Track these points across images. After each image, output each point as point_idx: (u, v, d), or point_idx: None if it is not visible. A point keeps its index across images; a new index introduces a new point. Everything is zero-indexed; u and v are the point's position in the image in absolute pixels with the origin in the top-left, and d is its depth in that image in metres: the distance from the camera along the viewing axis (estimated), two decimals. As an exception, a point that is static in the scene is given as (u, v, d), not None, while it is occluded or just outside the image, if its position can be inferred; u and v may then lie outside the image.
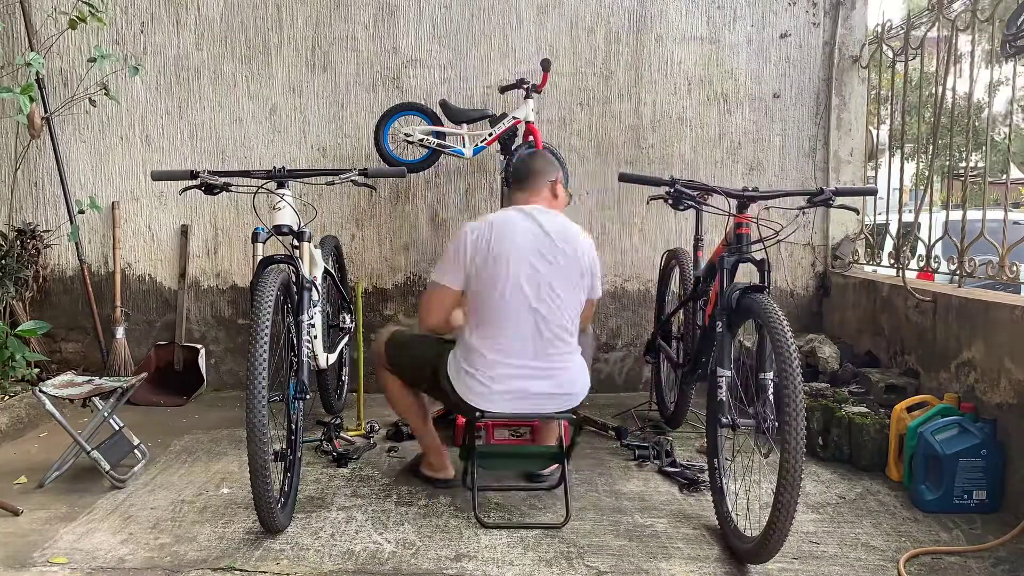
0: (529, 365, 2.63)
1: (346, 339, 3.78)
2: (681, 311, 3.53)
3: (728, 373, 2.53)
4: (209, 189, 2.88)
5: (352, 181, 3.03)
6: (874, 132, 4.54)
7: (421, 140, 4.02)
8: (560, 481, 2.81)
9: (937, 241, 3.59)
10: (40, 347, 4.28)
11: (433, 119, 4.07)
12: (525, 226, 2.66)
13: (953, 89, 3.53)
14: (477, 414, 2.64)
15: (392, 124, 4.08)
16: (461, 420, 3.24)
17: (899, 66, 4.06)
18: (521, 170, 2.85)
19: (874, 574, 2.35)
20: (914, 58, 3.86)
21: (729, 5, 4.42)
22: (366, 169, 3.02)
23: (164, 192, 4.39)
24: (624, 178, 2.94)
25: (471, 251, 2.62)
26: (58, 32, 4.17)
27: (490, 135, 4.00)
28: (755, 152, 4.51)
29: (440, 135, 4.04)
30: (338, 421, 3.57)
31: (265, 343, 2.38)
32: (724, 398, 2.52)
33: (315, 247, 3.27)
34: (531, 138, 3.95)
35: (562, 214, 2.78)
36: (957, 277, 3.38)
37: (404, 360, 2.92)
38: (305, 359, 2.76)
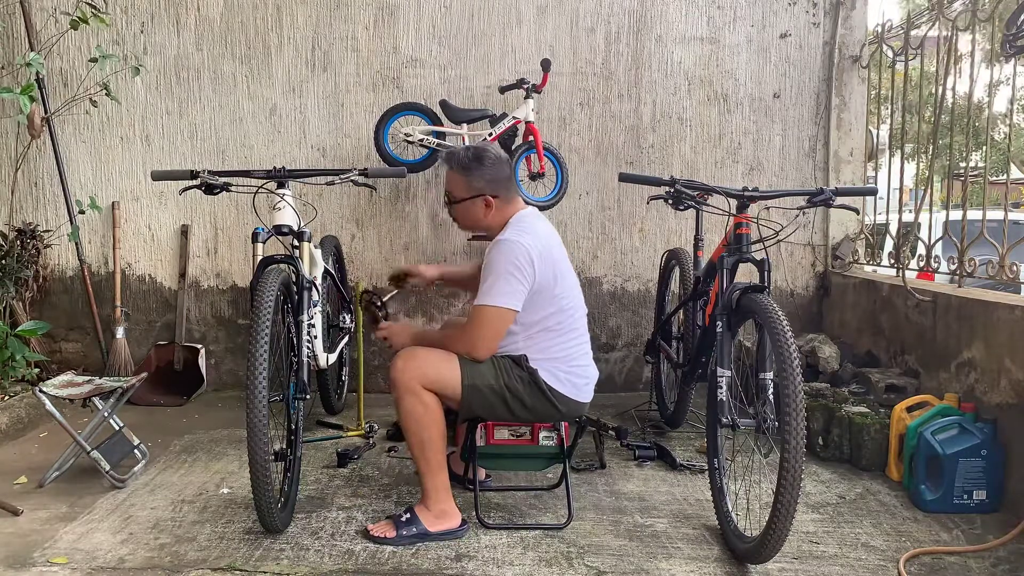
0: (590, 357, 2.69)
1: (346, 339, 3.78)
2: (681, 311, 3.53)
3: (728, 373, 2.53)
4: (209, 189, 2.89)
5: (352, 181, 3.03)
6: (874, 132, 4.54)
7: (421, 140, 4.02)
8: (561, 481, 2.81)
9: (937, 241, 3.59)
10: (40, 347, 4.28)
11: (433, 119, 4.07)
12: (551, 228, 2.68)
13: (953, 89, 3.53)
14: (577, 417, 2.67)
15: (392, 124, 4.08)
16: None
17: (899, 66, 4.06)
18: (503, 172, 2.61)
19: (874, 574, 2.35)
20: (914, 58, 3.86)
21: (729, 5, 4.42)
22: (366, 169, 3.02)
23: (164, 192, 4.39)
24: (624, 178, 2.95)
25: (539, 269, 2.46)
26: (58, 32, 4.16)
27: (490, 135, 3.99)
28: (755, 152, 4.51)
29: (440, 135, 4.04)
30: None
31: (265, 343, 2.38)
32: (724, 398, 2.52)
33: (315, 247, 3.27)
34: (531, 138, 3.96)
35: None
36: (957, 277, 3.38)
37: (484, 390, 2.50)
38: (305, 359, 2.76)
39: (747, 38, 4.45)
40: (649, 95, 4.45)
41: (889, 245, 4.69)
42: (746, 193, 2.73)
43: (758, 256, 2.66)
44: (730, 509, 2.54)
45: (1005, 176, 4.22)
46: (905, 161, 4.09)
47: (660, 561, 2.41)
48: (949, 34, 3.47)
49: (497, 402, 2.51)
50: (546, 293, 2.51)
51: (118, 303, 4.37)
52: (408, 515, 2.53)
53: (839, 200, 2.71)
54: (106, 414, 3.10)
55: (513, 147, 4.01)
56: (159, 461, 3.28)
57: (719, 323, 2.61)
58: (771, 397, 2.38)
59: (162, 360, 4.38)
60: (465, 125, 4.04)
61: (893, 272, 3.88)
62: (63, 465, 3.03)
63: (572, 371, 2.58)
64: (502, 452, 2.74)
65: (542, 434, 2.80)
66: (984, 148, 4.26)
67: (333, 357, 3.45)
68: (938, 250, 3.58)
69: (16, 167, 4.28)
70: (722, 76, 4.46)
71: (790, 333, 2.25)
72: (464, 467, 2.84)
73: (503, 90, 4.09)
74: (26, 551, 2.42)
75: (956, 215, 3.45)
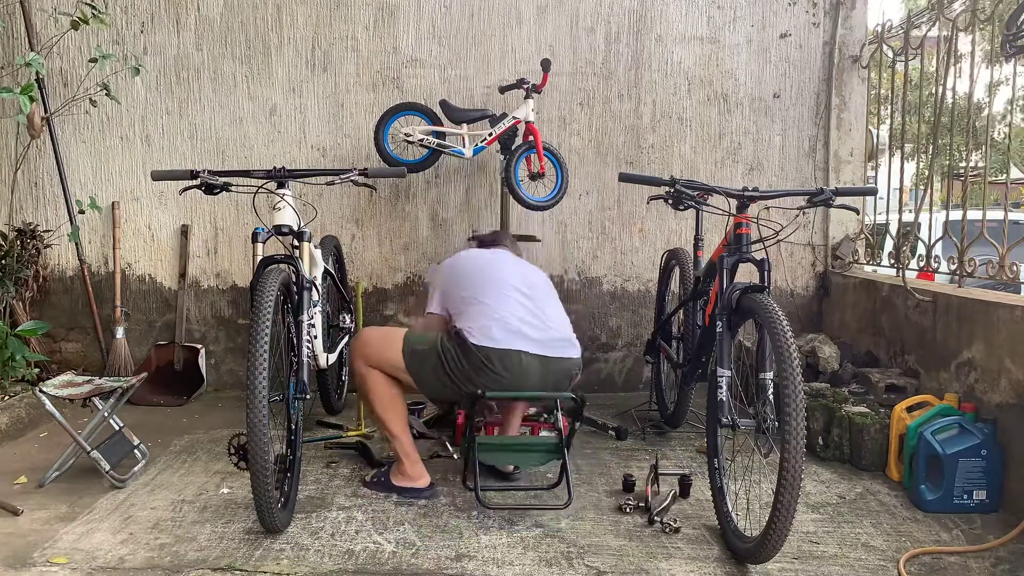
0: (527, 320, 2.79)
1: (346, 339, 3.78)
2: (681, 311, 3.53)
3: (728, 373, 2.53)
4: (209, 189, 2.89)
5: (352, 181, 3.03)
6: (874, 132, 4.55)
7: (421, 140, 4.02)
8: (560, 479, 2.81)
9: (937, 241, 3.59)
10: (40, 347, 4.28)
11: (433, 119, 4.07)
12: (495, 249, 3.08)
13: (953, 89, 3.53)
14: (482, 382, 2.71)
15: (392, 124, 4.08)
16: (461, 419, 3.24)
17: (899, 66, 4.06)
18: (488, 237, 3.27)
19: (874, 574, 2.35)
20: (914, 58, 3.86)
21: (729, 5, 4.42)
22: (366, 169, 3.02)
23: (164, 192, 4.39)
24: (624, 178, 2.95)
25: (446, 273, 2.97)
26: (58, 32, 4.17)
27: (490, 135, 3.99)
28: (755, 152, 4.51)
29: (440, 135, 4.04)
30: None
31: (265, 343, 2.38)
32: (724, 398, 2.52)
33: (315, 247, 3.27)
34: (531, 138, 3.95)
35: None
36: (957, 277, 3.38)
37: (420, 352, 2.81)
38: (305, 359, 2.76)
39: (747, 38, 4.45)
40: (649, 95, 4.45)
41: (889, 245, 4.69)
42: (746, 193, 2.73)
43: (758, 256, 2.66)
44: (730, 509, 2.54)
45: (1005, 176, 4.22)
46: (905, 161, 4.09)
47: (660, 561, 2.41)
48: (949, 34, 3.47)
49: (433, 356, 2.77)
50: (453, 292, 2.90)
51: (118, 303, 4.37)
52: (385, 469, 2.98)
53: (839, 200, 2.71)
54: (106, 414, 3.11)
55: (513, 147, 4.01)
56: (159, 461, 3.28)
57: (719, 323, 2.61)
58: (771, 397, 2.38)
59: (162, 360, 4.38)
60: (465, 125, 4.04)
61: (893, 272, 3.88)
62: (63, 465, 3.03)
63: (483, 328, 2.74)
64: (501, 444, 2.75)
65: (541, 430, 2.81)
66: (984, 148, 4.26)
67: (333, 357, 3.45)
68: (938, 250, 3.58)
69: (16, 167, 4.28)
70: (722, 76, 4.46)
71: (790, 333, 2.25)
72: (464, 463, 2.85)
73: (503, 90, 4.09)
74: (26, 551, 2.42)
75: (956, 215, 3.45)
